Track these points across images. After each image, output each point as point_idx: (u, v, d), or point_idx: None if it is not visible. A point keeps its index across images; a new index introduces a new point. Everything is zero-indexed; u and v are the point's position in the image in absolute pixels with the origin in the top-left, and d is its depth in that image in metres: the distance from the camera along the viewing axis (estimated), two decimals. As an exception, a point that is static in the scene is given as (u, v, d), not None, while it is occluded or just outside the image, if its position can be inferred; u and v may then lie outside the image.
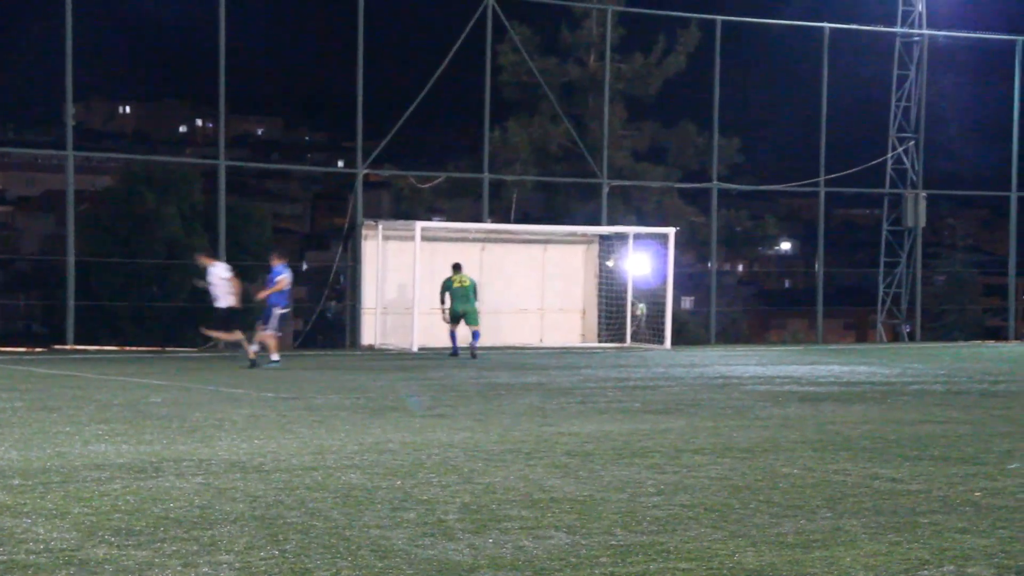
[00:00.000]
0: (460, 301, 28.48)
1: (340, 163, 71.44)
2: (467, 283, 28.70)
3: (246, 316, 25.82)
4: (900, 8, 38.79)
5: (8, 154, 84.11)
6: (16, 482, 10.32)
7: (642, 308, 32.27)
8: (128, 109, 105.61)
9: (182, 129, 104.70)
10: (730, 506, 9.66)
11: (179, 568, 7.61)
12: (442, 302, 28.73)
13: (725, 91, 36.71)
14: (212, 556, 7.90)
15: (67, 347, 28.24)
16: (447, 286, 28.61)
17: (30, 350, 28.77)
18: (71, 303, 28.77)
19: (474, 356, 27.96)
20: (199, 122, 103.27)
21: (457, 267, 29.10)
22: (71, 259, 29.07)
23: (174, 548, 8.08)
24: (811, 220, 45.51)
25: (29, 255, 64.01)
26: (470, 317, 28.57)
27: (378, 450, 12.43)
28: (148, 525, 8.72)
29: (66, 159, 29.75)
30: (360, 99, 31.75)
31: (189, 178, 51.65)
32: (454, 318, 28.60)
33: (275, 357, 24.20)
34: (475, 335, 28.68)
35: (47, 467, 11.11)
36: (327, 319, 43.99)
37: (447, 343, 30.02)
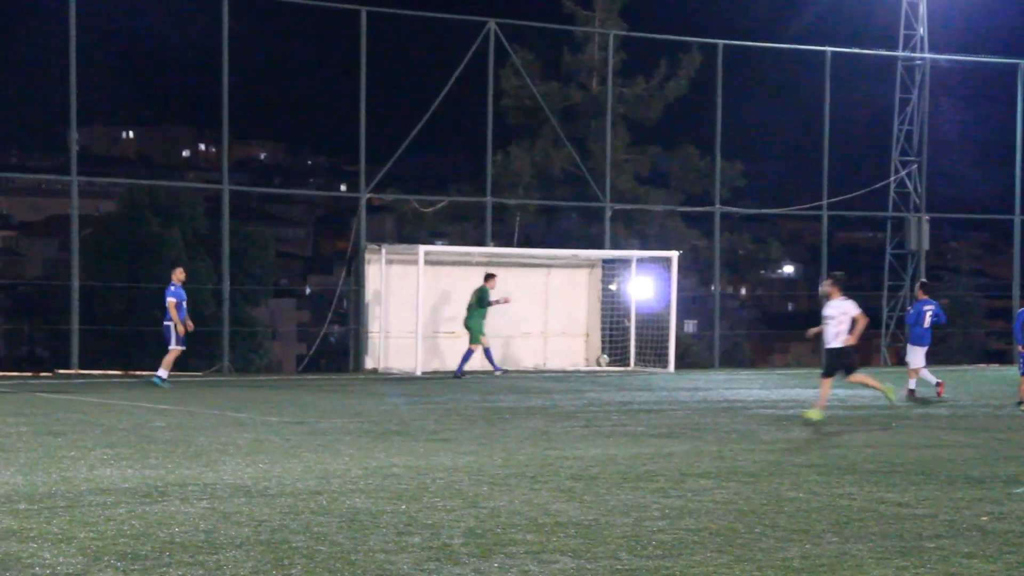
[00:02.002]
0: (470, 316, 28.89)
1: (343, 187, 71.50)
2: (474, 301, 28.97)
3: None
4: (902, 32, 38.86)
5: (12, 179, 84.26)
6: (22, 507, 10.32)
7: (605, 359, 32.26)
8: (131, 134, 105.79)
9: (185, 154, 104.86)
10: (735, 530, 9.65)
11: (185, 593, 7.62)
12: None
13: (727, 115, 36.76)
14: (217, 581, 7.91)
15: (71, 372, 28.24)
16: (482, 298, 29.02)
17: (34, 375, 28.77)
18: (75, 328, 28.78)
19: (457, 376, 28.41)
20: (202, 146, 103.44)
21: (488, 277, 29.33)
22: (75, 284, 29.09)
23: (180, 573, 8.09)
24: (814, 244, 45.52)
25: (33, 280, 64.07)
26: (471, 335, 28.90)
27: (383, 474, 12.43)
28: (154, 550, 8.72)
29: (70, 184, 29.80)
30: (363, 123, 31.80)
31: (192, 202, 51.76)
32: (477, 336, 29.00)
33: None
34: (466, 354, 28.91)
35: (53, 492, 11.11)
36: (330, 343, 43.98)
37: (450, 366, 30.02)
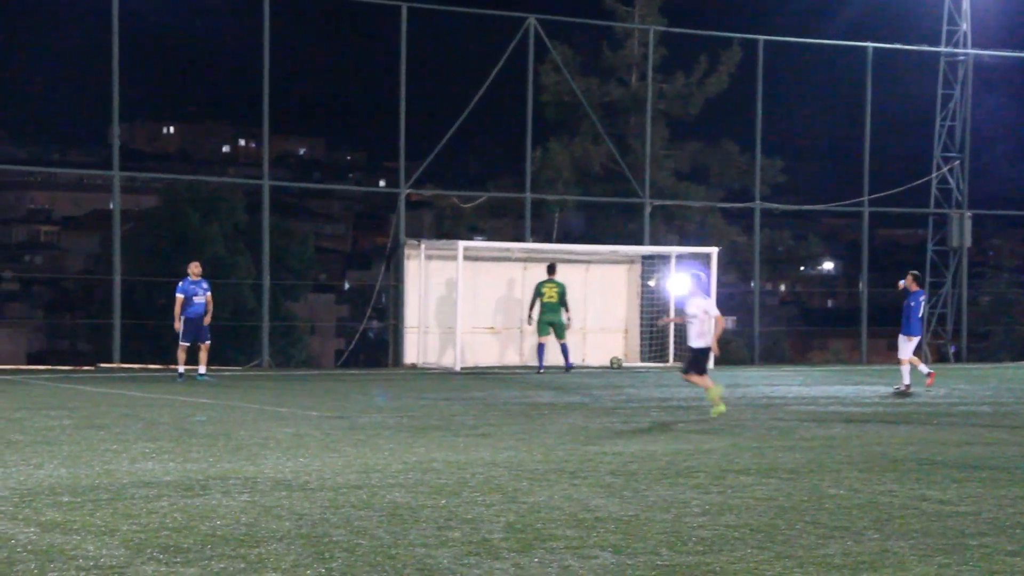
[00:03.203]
0: (548, 312, 28.70)
1: (382, 183, 71.75)
2: (555, 295, 28.83)
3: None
4: (944, 28, 38.61)
5: (55, 174, 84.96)
6: (66, 499, 10.40)
7: (619, 360, 32.01)
8: (172, 130, 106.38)
9: (225, 149, 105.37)
10: (776, 527, 9.62)
11: (227, 585, 7.65)
12: (531, 308, 29.01)
13: (767, 111, 36.61)
14: (259, 574, 7.94)
15: (113, 366, 28.42)
16: (538, 292, 28.93)
17: (77, 368, 28.96)
18: (117, 322, 28.95)
19: (568, 370, 28.46)
20: (242, 142, 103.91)
21: (551, 268, 29.26)
22: (117, 278, 29.27)
23: (222, 566, 8.12)
24: (854, 240, 45.32)
25: (75, 274, 64.51)
26: (558, 330, 28.76)
27: (422, 469, 12.45)
28: (196, 543, 8.77)
29: (112, 179, 29.98)
30: (403, 119, 31.85)
31: (232, 198, 52.02)
32: (542, 330, 28.84)
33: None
34: (564, 349, 28.89)
35: (96, 484, 11.18)
36: (369, 338, 44.09)
37: (488, 362, 30.07)
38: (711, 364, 20.44)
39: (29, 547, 8.53)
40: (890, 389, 24.11)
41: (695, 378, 19.02)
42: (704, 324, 18.75)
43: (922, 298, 24.49)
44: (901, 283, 24.70)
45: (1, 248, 79.62)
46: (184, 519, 9.59)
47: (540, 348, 29.16)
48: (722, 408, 18.36)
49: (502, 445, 14.56)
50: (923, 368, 24.36)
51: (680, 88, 41.65)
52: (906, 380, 23.96)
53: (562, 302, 29.12)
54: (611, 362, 31.47)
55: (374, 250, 72.93)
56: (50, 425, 15.97)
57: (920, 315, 24.34)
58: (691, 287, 19.30)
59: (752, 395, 23.27)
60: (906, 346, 24.16)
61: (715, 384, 18.84)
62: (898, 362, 24.35)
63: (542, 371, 28.75)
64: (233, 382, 25.34)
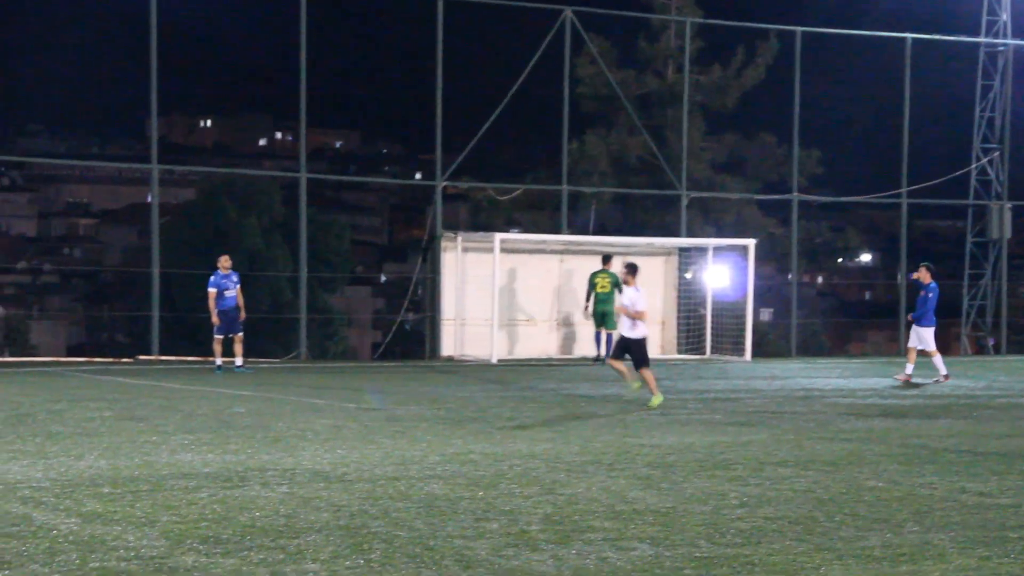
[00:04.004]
0: (600, 303, 28.78)
1: (418, 175, 71.82)
2: (607, 286, 28.85)
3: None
4: (984, 18, 38.32)
5: (93, 168, 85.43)
6: (106, 490, 10.46)
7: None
8: (209, 123, 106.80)
9: (262, 142, 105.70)
10: (815, 519, 9.59)
11: (266, 576, 7.68)
12: (587, 299, 29.08)
13: (805, 102, 36.41)
14: (298, 564, 7.97)
15: (151, 358, 28.57)
16: (592, 283, 29.02)
17: (115, 360, 29.12)
18: (155, 314, 29.10)
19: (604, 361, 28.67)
20: (279, 135, 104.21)
21: (606, 259, 29.28)
22: (155, 271, 29.41)
23: (261, 556, 8.16)
24: (892, 232, 45.03)
25: (113, 267, 64.87)
26: (608, 320, 28.76)
27: (460, 461, 12.47)
28: (235, 533, 8.81)
29: (150, 173, 30.12)
30: (439, 111, 31.86)
31: (269, 190, 52.17)
32: (597, 320, 28.92)
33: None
34: (609, 340, 28.91)
35: (136, 476, 11.25)
36: (406, 330, 44.15)
37: (525, 354, 30.07)
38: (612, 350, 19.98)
39: (70, 537, 8.59)
40: (928, 381, 23.99)
41: (619, 365, 18.91)
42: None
43: (933, 291, 24.46)
44: (914, 275, 24.80)
45: (40, 241, 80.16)
46: (223, 510, 9.64)
47: (597, 336, 29.29)
48: (635, 387, 18.63)
49: (539, 437, 14.56)
50: (910, 368, 24.33)
51: (717, 80, 41.52)
52: (942, 371, 23.98)
53: (614, 292, 29.20)
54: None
55: (410, 242, 73.01)
56: (90, 417, 16.07)
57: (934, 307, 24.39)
58: (628, 276, 19.00)
59: (790, 387, 23.19)
60: (930, 337, 24.16)
61: (634, 378, 18.77)
62: (927, 354, 24.31)
63: (600, 360, 28.89)
64: (271, 374, 25.43)
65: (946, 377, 23.90)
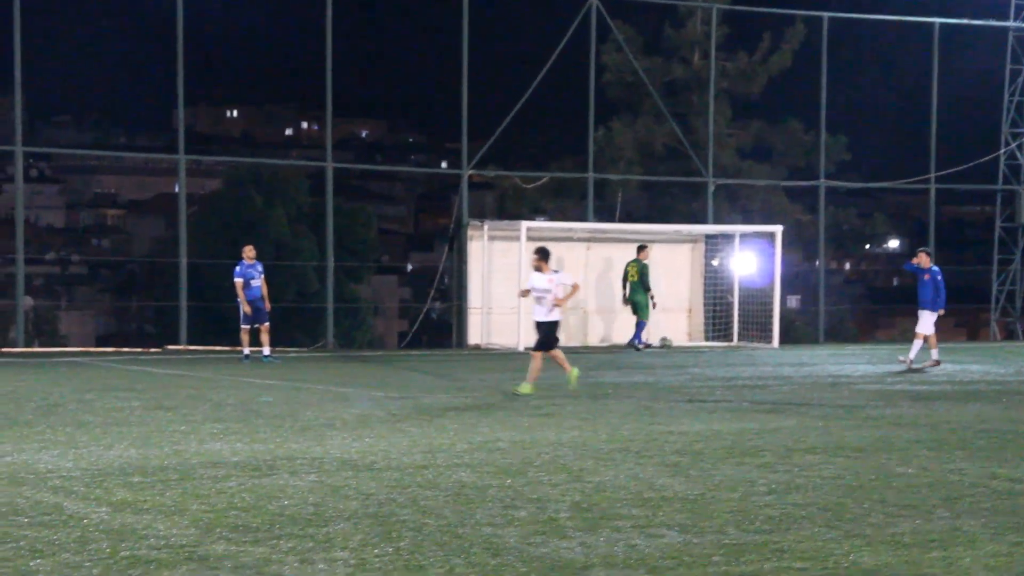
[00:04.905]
0: (632, 291, 29.38)
1: (444, 164, 71.80)
2: (636, 275, 29.38)
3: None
4: (1013, 2, 38.06)
5: (120, 159, 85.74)
6: (136, 479, 10.50)
7: (665, 340, 31.62)
8: (235, 113, 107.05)
9: (288, 132, 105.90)
10: (844, 505, 9.56)
11: (296, 564, 7.70)
12: (623, 288, 29.60)
13: (832, 88, 36.26)
14: (327, 553, 7.99)
15: (179, 348, 28.67)
16: (625, 272, 29.53)
17: (144, 350, 29.24)
18: (183, 304, 29.19)
19: (635, 348, 28.99)
20: (305, 125, 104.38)
21: (640, 248, 29.72)
22: (183, 261, 29.50)
23: (290, 545, 8.18)
24: (920, 218, 44.85)
25: (141, 257, 65.10)
26: (636, 308, 29.23)
27: (487, 449, 12.47)
28: (264, 522, 8.83)
29: (177, 163, 30.20)
30: (465, 100, 31.84)
31: (295, 180, 52.26)
32: (632, 308, 29.47)
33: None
34: (638, 327, 29.43)
35: (165, 465, 11.29)
36: (432, 319, 44.21)
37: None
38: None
39: (101, 526, 8.63)
40: (957, 367, 23.94)
41: (557, 355, 18.75)
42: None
43: (934, 275, 24.62)
44: (913, 260, 24.95)
45: (69, 232, 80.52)
46: (252, 499, 9.66)
47: (636, 325, 29.82)
48: (574, 382, 18.59)
49: (566, 425, 14.56)
50: (935, 353, 24.48)
51: (743, 66, 41.40)
52: (934, 356, 24.17)
53: (642, 282, 29.50)
54: (661, 342, 31.38)
55: (437, 231, 73.08)
56: (120, 406, 16.14)
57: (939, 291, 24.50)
58: (540, 262, 18.89)
59: (818, 374, 23.12)
60: (928, 321, 24.28)
61: (540, 369, 18.63)
62: (920, 337, 24.46)
63: (640, 347, 29.27)
64: (298, 363, 25.49)
65: (936, 363, 24.15)
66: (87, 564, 7.59)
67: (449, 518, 9.05)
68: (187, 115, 36.56)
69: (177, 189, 30.56)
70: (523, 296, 19.46)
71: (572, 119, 36.50)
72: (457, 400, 17.51)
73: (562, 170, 39.60)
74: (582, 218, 33.80)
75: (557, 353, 18.81)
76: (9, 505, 9.28)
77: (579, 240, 31.82)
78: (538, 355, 18.67)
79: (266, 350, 25.40)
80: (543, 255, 18.81)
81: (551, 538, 8.46)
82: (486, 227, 31.31)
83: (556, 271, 19.07)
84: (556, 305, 18.49)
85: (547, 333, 18.67)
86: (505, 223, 32.10)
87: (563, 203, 42.51)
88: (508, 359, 27.20)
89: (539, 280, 18.62)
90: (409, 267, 71.86)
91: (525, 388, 18.25)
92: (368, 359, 28.36)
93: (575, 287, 18.77)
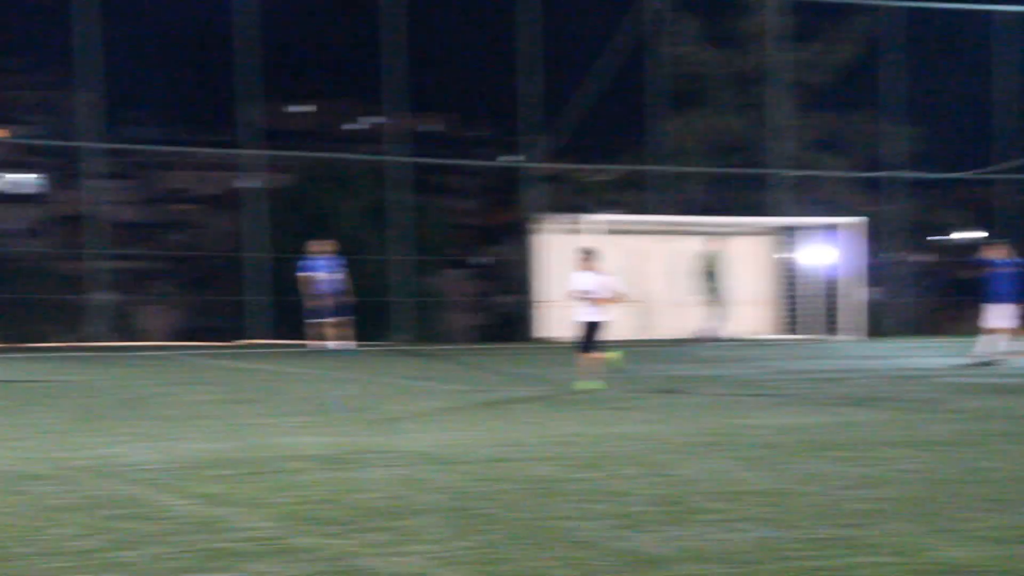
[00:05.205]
0: (704, 283, 29.62)
1: (512, 158, 71.81)
2: (704, 267, 29.53)
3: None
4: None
5: (192, 154, 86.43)
6: (219, 472, 10.57)
7: (717, 329, 31.33)
8: (307, 107, 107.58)
9: (359, 126, 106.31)
10: (931, 500, 9.43)
11: (378, 557, 7.69)
12: (697, 281, 29.70)
13: (901, 78, 35.90)
14: (409, 545, 7.98)
15: (255, 341, 28.88)
16: (701, 266, 29.66)
17: (220, 344, 29.48)
18: (257, 298, 29.39)
19: (706, 341, 29.14)
20: (375, 119, 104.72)
21: (704, 241, 29.84)
22: (256, 255, 29.70)
23: (372, 537, 8.18)
24: (993, 208, 44.29)
25: (212, 252, 65.60)
26: (706, 301, 29.39)
27: (565, 442, 12.44)
28: (346, 515, 8.84)
29: (248, 158, 30.41)
30: (532, 93, 31.82)
31: (366, 174, 52.44)
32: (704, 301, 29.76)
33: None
34: (708, 319, 29.55)
35: (245, 458, 11.35)
36: (503, 312, 44.25)
37: (621, 335, 29.98)
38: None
39: (186, 519, 8.68)
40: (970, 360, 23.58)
41: (593, 355, 18.67)
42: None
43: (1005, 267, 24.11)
44: (985, 253, 24.58)
45: (144, 227, 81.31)
46: (333, 492, 9.68)
47: (708, 318, 29.76)
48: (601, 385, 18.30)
49: (643, 418, 14.50)
50: (1017, 344, 23.93)
51: (810, 56, 41.08)
52: (991, 350, 23.68)
53: (709, 274, 29.55)
54: (713, 333, 31.40)
55: (506, 225, 73.05)
56: (199, 400, 16.27)
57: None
58: (587, 261, 18.81)
59: (899, 366, 22.90)
60: (996, 315, 23.82)
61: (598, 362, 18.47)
62: (993, 330, 23.97)
63: (711, 341, 29.32)
64: (371, 357, 25.60)
65: (1012, 355, 23.51)
66: (174, 556, 7.63)
67: (529, 511, 9.02)
68: (258, 109, 36.74)
69: (250, 184, 30.77)
70: (574, 297, 19.29)
71: (639, 111, 36.44)
72: (531, 393, 17.49)
73: (629, 163, 39.53)
74: (652, 211, 33.71)
75: (596, 355, 18.70)
76: (96, 498, 9.37)
77: (646, 233, 31.74)
78: (588, 355, 18.59)
79: (341, 344, 25.55)
80: (589, 255, 18.82)
81: (632, 532, 8.40)
82: (553, 220, 31.30)
83: (602, 272, 18.94)
84: (600, 304, 18.41)
85: (592, 332, 18.58)
86: (573, 216, 32.08)
87: (630, 196, 42.43)
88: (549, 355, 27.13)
89: (585, 280, 18.60)
90: (479, 260, 71.91)
91: (590, 384, 18.20)
92: (440, 353, 28.43)
93: (621, 295, 18.67)
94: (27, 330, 40.68)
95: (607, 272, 19.10)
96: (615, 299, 18.57)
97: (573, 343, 18.96)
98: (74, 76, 30.55)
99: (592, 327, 18.55)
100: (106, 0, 28.91)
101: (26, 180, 78.42)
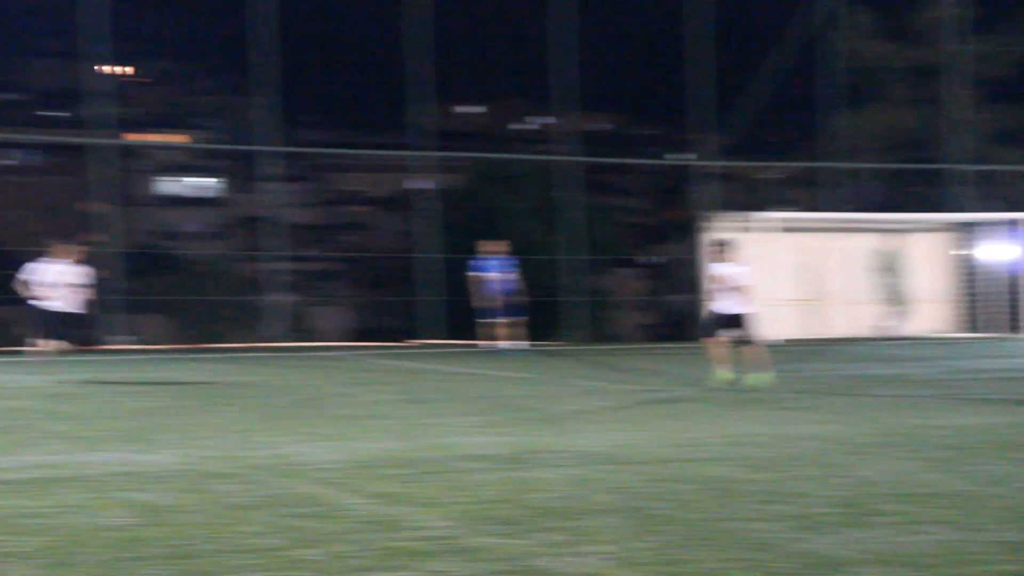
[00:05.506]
0: (882, 280, 29.17)
1: (682, 156, 71.44)
2: (881, 264, 29.07)
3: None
4: None
5: (364, 156, 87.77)
6: (397, 471, 10.67)
7: (888, 324, 30.52)
8: (475, 108, 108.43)
9: (529, 126, 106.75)
10: None
11: (556, 557, 7.68)
12: (876, 278, 29.33)
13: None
14: (587, 546, 7.94)
15: (427, 341, 29.17)
16: (879, 263, 29.28)
17: (394, 344, 29.84)
18: (430, 298, 29.69)
19: (883, 338, 28.71)
20: (545, 119, 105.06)
21: (881, 239, 29.44)
22: (429, 256, 30.00)
23: (550, 537, 8.17)
24: None
25: (388, 253, 66.51)
26: (884, 299, 29.01)
27: (741, 442, 12.29)
28: (523, 514, 8.84)
29: (418, 159, 30.75)
30: (705, 91, 31.59)
31: (535, 174, 52.63)
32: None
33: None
34: (886, 317, 29.18)
35: (420, 457, 11.45)
36: (673, 311, 44.02)
37: (795, 334, 29.66)
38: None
39: (367, 517, 8.78)
40: None
41: (721, 350, 18.33)
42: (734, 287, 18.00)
43: None
44: None
45: (318, 229, 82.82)
46: (509, 491, 9.70)
47: (887, 316, 29.34)
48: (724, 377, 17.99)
49: (821, 418, 14.27)
50: None
51: (989, 48, 40.09)
52: None
53: (888, 271, 29.08)
54: (881, 327, 30.85)
55: (676, 223, 72.69)
56: (375, 399, 16.48)
57: None
58: (721, 252, 18.41)
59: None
60: None
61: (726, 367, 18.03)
62: None
63: (889, 340, 28.89)
64: (543, 357, 25.66)
65: None
66: (356, 554, 7.71)
67: (706, 512, 8.92)
68: (427, 111, 37.14)
69: (422, 185, 31.09)
70: (713, 287, 18.92)
71: (810, 107, 35.95)
72: (704, 392, 17.33)
73: (802, 159, 38.99)
74: (821, 208, 33.21)
75: (721, 350, 18.42)
76: (277, 496, 9.53)
77: (821, 230, 31.28)
78: (754, 345, 18.35)
79: (513, 343, 25.67)
80: (723, 246, 18.60)
81: (814, 533, 8.25)
82: (724, 218, 31.03)
83: (738, 263, 18.70)
84: (733, 293, 18.17)
85: (741, 325, 18.33)
86: (744, 214, 31.77)
87: (803, 193, 41.92)
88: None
89: (721, 270, 18.39)
90: (650, 259, 71.69)
91: (758, 378, 17.97)
92: (611, 352, 28.39)
93: (747, 287, 18.37)
94: (207, 330, 41.75)
95: (742, 263, 18.83)
96: (742, 287, 18.31)
97: (728, 339, 18.74)
98: (251, 81, 31.21)
99: (737, 320, 18.33)
100: (282, 6, 29.48)
101: (205, 184, 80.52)
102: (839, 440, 12.40)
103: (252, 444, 12.31)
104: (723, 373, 18.07)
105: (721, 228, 30.78)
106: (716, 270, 18.49)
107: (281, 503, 9.24)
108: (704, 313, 18.72)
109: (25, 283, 19.18)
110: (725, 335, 18.30)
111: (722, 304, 18.35)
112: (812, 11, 32.65)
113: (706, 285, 18.82)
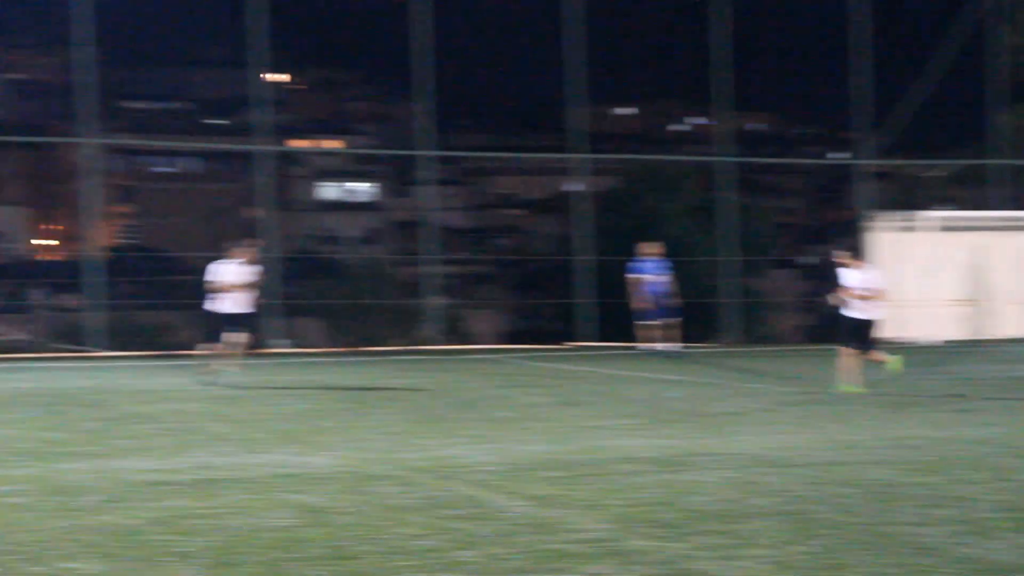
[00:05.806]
0: None
1: (841, 155, 70.40)
2: None
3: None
4: None
5: (519, 159, 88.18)
6: (553, 474, 10.70)
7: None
8: (629, 110, 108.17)
9: (681, 127, 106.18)
10: None
11: (715, 561, 7.63)
12: None
13: None
14: (746, 550, 7.88)
15: (583, 344, 29.17)
16: None
17: (548, 347, 29.90)
18: (585, 301, 29.70)
19: None
20: (699, 120, 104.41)
21: None
22: (584, 258, 30.01)
23: (708, 541, 8.12)
24: None
25: (540, 256, 66.73)
26: None
27: (903, 445, 12.09)
28: (680, 517, 8.81)
29: (575, 162, 30.78)
30: (865, 89, 31.09)
31: (690, 175, 52.30)
32: None
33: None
34: None
35: (580, 460, 11.46)
36: (831, 313, 43.36)
37: (959, 335, 29.02)
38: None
39: (523, 520, 8.82)
40: None
41: (874, 355, 17.77)
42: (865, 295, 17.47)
43: None
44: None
45: (473, 232, 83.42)
46: (667, 494, 9.66)
47: None
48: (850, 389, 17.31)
49: (984, 421, 13.96)
50: None
51: None
52: None
53: None
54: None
55: (835, 223, 71.70)
56: (530, 402, 16.54)
57: None
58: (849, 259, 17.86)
59: None
60: None
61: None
62: None
63: None
64: (699, 359, 25.50)
65: None
66: (512, 556, 7.76)
67: (868, 516, 8.79)
68: (583, 114, 37.13)
69: (576, 187, 31.13)
70: (842, 297, 18.41)
71: (973, 104, 35.17)
72: (868, 395, 17.05)
73: (964, 157, 38.14)
74: (987, 207, 32.45)
75: (874, 354, 18.09)
76: (435, 498, 9.63)
77: (987, 229, 30.54)
78: (854, 353, 17.95)
79: (669, 346, 25.54)
80: (851, 252, 18.26)
81: (979, 539, 8.08)
82: (884, 218, 30.47)
83: (868, 269, 18.28)
84: (861, 299, 17.76)
85: (861, 331, 17.94)
86: (904, 213, 31.16)
87: (967, 192, 40.99)
88: (915, 353, 26.35)
89: (851, 278, 18.00)
90: (807, 260, 70.75)
91: (851, 387, 17.58)
92: (768, 354, 28.10)
93: (879, 292, 17.94)
94: (364, 333, 42.29)
95: (872, 268, 18.44)
96: (877, 296, 17.93)
97: (844, 343, 18.35)
98: (408, 86, 31.54)
99: (865, 326, 17.95)
100: (439, 11, 29.76)
101: (362, 188, 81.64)
102: (1004, 443, 12.12)
103: (410, 446, 12.44)
104: (848, 386, 17.71)
105: (881, 228, 30.25)
106: (846, 279, 18.20)
107: (439, 505, 9.33)
108: (841, 322, 18.40)
109: (224, 285, 19.32)
110: (853, 345, 17.99)
111: (854, 312, 18.05)
112: (977, 5, 31.91)
113: (838, 294, 18.46)
